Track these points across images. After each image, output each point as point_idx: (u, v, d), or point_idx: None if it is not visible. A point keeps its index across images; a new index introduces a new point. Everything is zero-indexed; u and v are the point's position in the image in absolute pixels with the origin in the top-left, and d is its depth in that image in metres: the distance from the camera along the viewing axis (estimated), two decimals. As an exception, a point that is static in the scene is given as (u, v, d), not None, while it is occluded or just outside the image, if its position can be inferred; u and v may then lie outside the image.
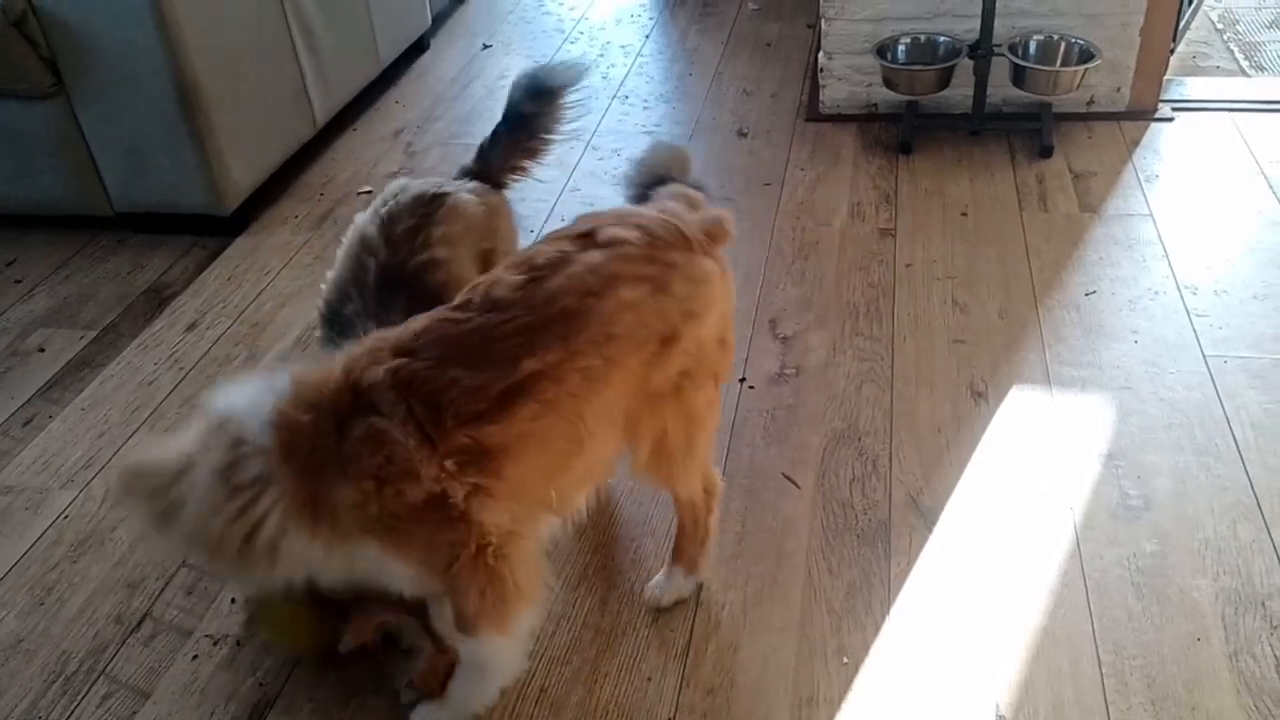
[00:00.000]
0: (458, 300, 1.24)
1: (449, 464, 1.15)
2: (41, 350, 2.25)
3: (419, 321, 1.22)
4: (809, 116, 3.00)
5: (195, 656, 1.55)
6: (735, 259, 2.36)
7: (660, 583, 1.58)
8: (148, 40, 2.31)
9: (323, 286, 1.62)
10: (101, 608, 1.64)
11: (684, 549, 1.56)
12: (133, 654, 1.55)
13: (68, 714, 1.47)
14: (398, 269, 1.56)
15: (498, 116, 3.11)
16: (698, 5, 3.88)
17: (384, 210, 1.64)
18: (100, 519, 1.81)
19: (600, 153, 2.91)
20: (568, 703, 1.45)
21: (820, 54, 2.94)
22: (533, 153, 1.79)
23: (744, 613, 1.56)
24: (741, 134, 2.95)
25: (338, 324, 1.54)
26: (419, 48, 3.59)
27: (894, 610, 1.54)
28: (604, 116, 3.11)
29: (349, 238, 1.64)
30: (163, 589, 1.66)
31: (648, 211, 1.32)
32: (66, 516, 1.81)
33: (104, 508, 1.83)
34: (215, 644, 1.56)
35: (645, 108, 3.15)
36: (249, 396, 1.19)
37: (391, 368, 1.16)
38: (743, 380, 2.02)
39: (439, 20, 3.78)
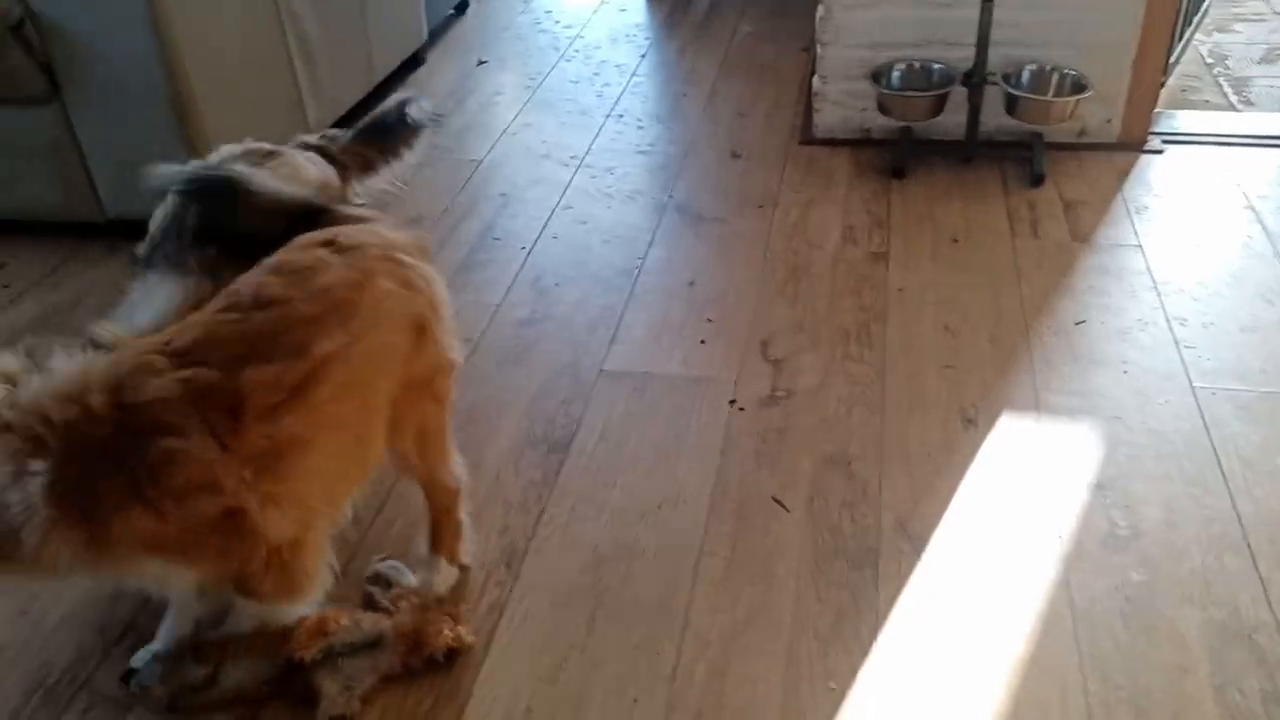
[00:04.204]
0: (222, 303, 1.28)
1: (246, 473, 1.20)
2: (29, 358, 2.23)
3: (191, 328, 1.25)
4: (802, 139, 3.02)
5: (178, 670, 1.53)
6: (728, 280, 2.39)
7: (428, 576, 1.62)
8: (144, 49, 2.31)
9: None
10: (85, 618, 1.62)
11: (444, 540, 1.64)
12: (115, 665, 1.53)
13: (47, 727, 1.46)
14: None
15: (493, 132, 3.13)
16: (693, 26, 3.91)
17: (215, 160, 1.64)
18: (84, 529, 1.79)
19: (593, 171, 2.92)
20: (554, 724, 1.45)
21: (815, 78, 2.96)
22: (382, 154, 1.86)
23: (732, 636, 1.56)
24: (735, 155, 2.96)
25: (152, 261, 1.54)
26: (415, 62, 3.60)
27: (882, 636, 1.54)
28: (598, 135, 3.12)
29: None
30: (147, 600, 1.64)
31: (378, 227, 1.45)
32: (50, 526, 1.79)
33: (88, 517, 1.81)
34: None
35: (639, 127, 3.16)
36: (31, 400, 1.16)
37: (182, 378, 1.18)
38: (733, 402, 2.03)
39: (435, 35, 3.79)
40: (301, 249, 1.35)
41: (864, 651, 1.52)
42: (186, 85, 2.37)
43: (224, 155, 1.67)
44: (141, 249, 1.60)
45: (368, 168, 1.86)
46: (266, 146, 1.70)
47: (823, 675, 1.49)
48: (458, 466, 1.60)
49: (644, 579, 1.66)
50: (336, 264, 1.32)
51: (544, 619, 1.60)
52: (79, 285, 2.48)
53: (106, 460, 1.15)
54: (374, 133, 1.86)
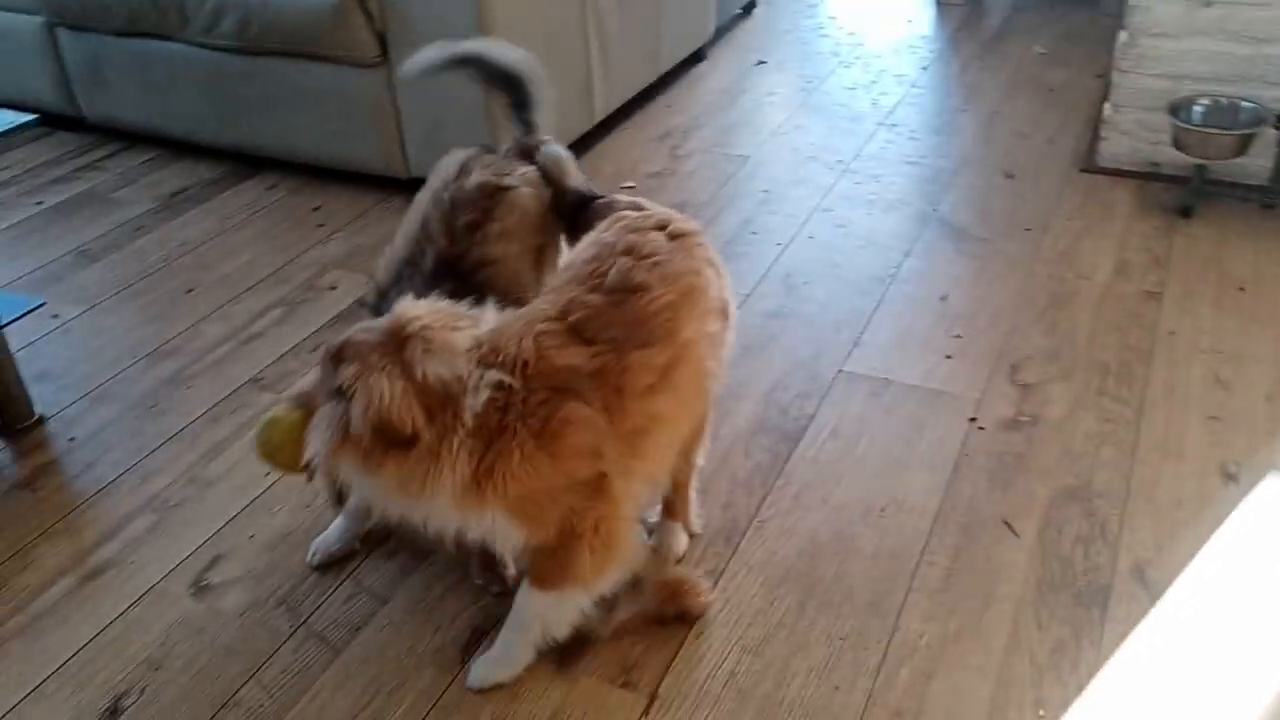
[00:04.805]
0: (588, 284, 1.38)
1: (621, 445, 1.33)
2: (333, 288, 2.53)
3: (577, 306, 1.35)
4: (1084, 167, 2.90)
5: (429, 575, 1.71)
6: (983, 299, 2.34)
7: (664, 539, 1.71)
8: (466, 26, 2.54)
9: (380, 261, 1.69)
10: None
11: (679, 508, 1.72)
12: (378, 564, 1.73)
13: (317, 605, 1.67)
14: (455, 261, 1.62)
15: (762, 131, 3.19)
16: (981, 43, 3.82)
17: (446, 195, 1.68)
18: (363, 443, 2.02)
19: (858, 177, 2.94)
20: (754, 693, 1.50)
21: (1106, 105, 2.83)
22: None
23: (943, 646, 1.56)
24: (1009, 176, 2.89)
25: (385, 306, 1.55)
26: (696, 57, 3.73)
27: (1101, 675, 1.49)
28: (868, 142, 3.12)
29: (410, 218, 1.69)
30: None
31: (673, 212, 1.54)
32: (336, 435, 2.03)
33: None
34: (449, 568, 1.72)
35: (912, 138, 3.14)
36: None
37: (589, 354, 1.31)
38: (973, 420, 2.00)
39: (720, 33, 3.91)
40: (638, 231, 1.44)
41: (1080, 686, 1.48)
42: (496, 61, 2.60)
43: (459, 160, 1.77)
44: (369, 296, 1.71)
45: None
46: (495, 182, 1.72)
47: (1033, 702, 1.46)
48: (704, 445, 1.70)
49: (859, 576, 1.68)
50: (674, 251, 1.42)
51: (756, 595, 1.66)
52: (380, 232, 2.77)
53: (520, 407, 1.27)
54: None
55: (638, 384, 1.32)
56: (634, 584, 1.57)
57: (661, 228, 1.47)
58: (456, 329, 1.31)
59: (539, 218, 1.77)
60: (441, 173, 1.76)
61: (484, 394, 1.26)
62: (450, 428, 1.25)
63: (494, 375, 1.26)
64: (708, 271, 1.47)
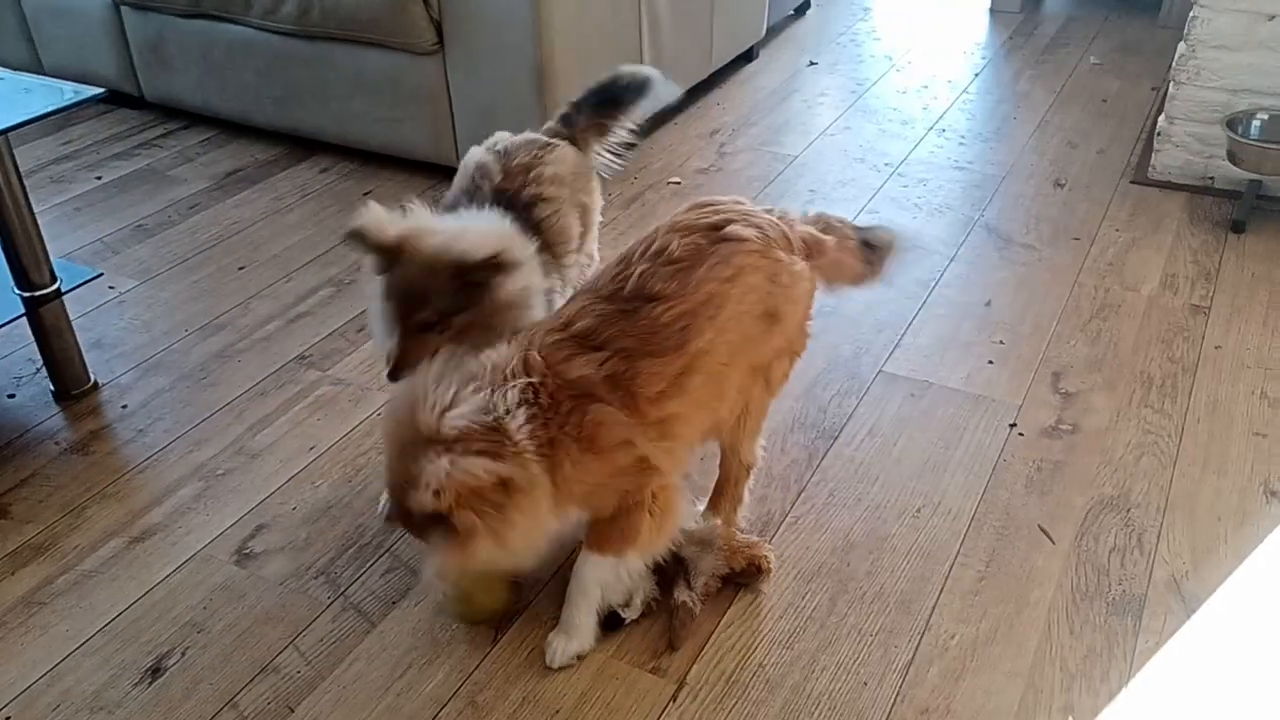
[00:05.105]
0: (608, 290, 1.43)
1: (651, 433, 1.39)
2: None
3: (584, 314, 1.40)
4: (1135, 179, 2.87)
5: (463, 556, 1.74)
6: (1027, 306, 2.33)
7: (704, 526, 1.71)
8: (521, 16, 2.58)
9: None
10: (395, 496, 1.87)
11: (723, 504, 1.73)
12: (416, 540, 1.76)
13: (355, 577, 1.70)
14: (511, 195, 1.71)
15: (811, 131, 3.19)
16: (1035, 51, 3.79)
17: (499, 146, 1.81)
18: (405, 422, 2.05)
19: (905, 180, 2.93)
20: (783, 684, 1.52)
21: (1161, 117, 2.80)
22: (606, 130, 1.95)
23: (973, 647, 1.56)
24: (1058, 184, 2.87)
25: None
26: (747, 56, 3.74)
27: (1133, 684, 1.49)
28: (916, 146, 3.11)
29: (464, 166, 1.81)
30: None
31: (763, 214, 1.52)
32: (379, 414, 2.07)
33: (409, 413, 2.08)
34: (481, 550, 1.75)
35: (961, 143, 3.13)
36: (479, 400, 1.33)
37: (596, 361, 1.36)
38: (1013, 426, 1.99)
39: (772, 33, 3.91)
40: (681, 232, 1.46)
41: (1111, 695, 1.47)
42: (550, 54, 2.62)
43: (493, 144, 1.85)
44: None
45: (603, 132, 1.96)
46: (544, 139, 1.85)
47: (1062, 708, 1.46)
48: (760, 447, 1.71)
49: (891, 574, 1.69)
50: (712, 257, 1.42)
51: (787, 589, 1.67)
52: (428, 217, 2.81)
53: (556, 418, 1.34)
54: (607, 104, 1.94)
55: (649, 389, 1.37)
56: (707, 551, 1.61)
57: (716, 229, 1.46)
58: (451, 378, 1.35)
59: (584, 173, 1.90)
60: (492, 139, 1.87)
61: (520, 417, 1.31)
62: (516, 451, 1.30)
63: (518, 401, 1.32)
64: (747, 279, 1.44)
